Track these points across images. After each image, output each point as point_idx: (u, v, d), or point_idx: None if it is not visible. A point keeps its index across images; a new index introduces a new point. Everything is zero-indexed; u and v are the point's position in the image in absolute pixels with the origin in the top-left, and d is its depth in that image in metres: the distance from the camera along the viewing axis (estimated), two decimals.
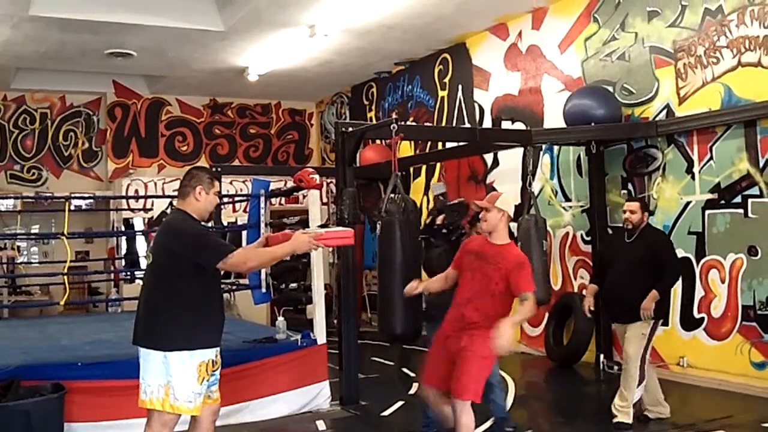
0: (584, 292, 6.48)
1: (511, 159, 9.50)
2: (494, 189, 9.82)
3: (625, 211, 5.97)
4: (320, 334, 6.70)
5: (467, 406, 4.45)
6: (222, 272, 4.43)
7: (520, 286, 4.44)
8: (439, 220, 5.56)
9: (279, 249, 4.12)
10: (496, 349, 4.25)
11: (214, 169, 10.39)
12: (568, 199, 8.88)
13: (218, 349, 4.14)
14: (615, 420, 5.65)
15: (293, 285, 10.46)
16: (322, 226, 4.55)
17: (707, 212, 7.30)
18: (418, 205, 11.01)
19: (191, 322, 3.97)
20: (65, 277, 7.52)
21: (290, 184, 7.49)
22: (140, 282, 4.39)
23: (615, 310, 5.97)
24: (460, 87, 10.69)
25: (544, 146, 9.00)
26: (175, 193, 4.35)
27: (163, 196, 10.74)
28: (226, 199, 10.38)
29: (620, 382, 5.78)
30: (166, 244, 4.08)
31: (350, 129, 7.13)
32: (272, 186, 8.42)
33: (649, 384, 5.82)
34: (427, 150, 10.97)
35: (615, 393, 5.76)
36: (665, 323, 6.22)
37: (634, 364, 5.65)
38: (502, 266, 4.49)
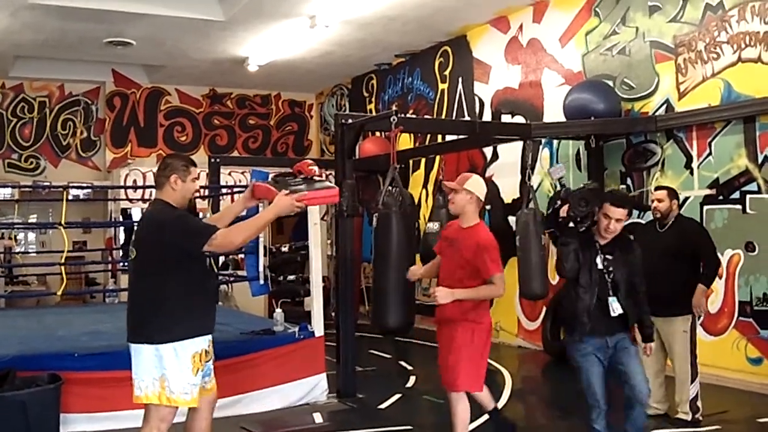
0: None
1: (510, 152, 9.49)
2: (493, 183, 9.81)
3: (653, 201, 5.91)
4: (318, 327, 6.69)
5: (462, 396, 4.57)
6: (209, 263, 4.40)
7: (485, 269, 4.47)
8: (563, 211, 4.66)
9: (262, 217, 4.08)
10: (433, 295, 4.44)
11: (212, 160, 10.48)
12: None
13: (210, 338, 4.11)
14: (675, 416, 5.74)
15: (291, 277, 10.48)
16: (305, 179, 4.19)
17: (705, 208, 7.29)
18: (417, 198, 11.00)
19: (181, 312, 3.93)
20: (62, 267, 7.51)
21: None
22: (128, 274, 4.35)
23: (652, 305, 5.89)
24: (460, 80, 10.66)
25: (543, 140, 8.98)
26: None
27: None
28: (224, 190, 10.37)
29: (675, 381, 5.79)
30: (149, 236, 4.02)
31: (350, 121, 7.11)
32: (271, 177, 8.39)
33: (651, 376, 5.83)
34: (427, 143, 10.97)
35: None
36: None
37: (686, 362, 5.67)
38: (464, 250, 4.54)
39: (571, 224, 4.54)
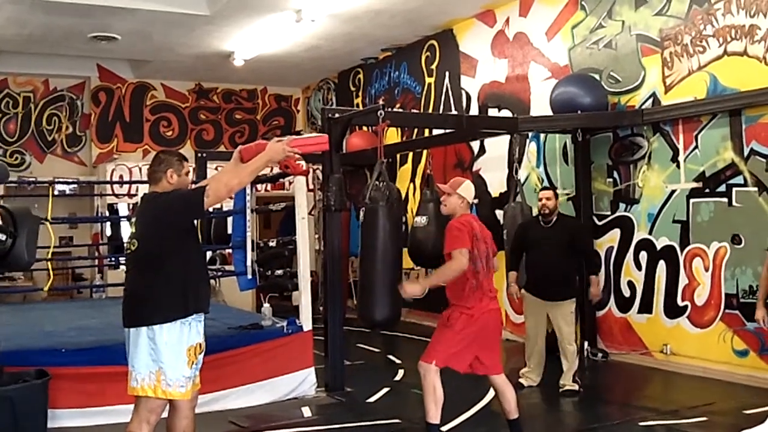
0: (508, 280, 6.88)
1: (497, 146, 9.50)
2: (480, 177, 9.84)
3: (541, 199, 6.63)
4: (306, 321, 6.70)
5: (430, 368, 4.77)
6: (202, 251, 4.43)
7: (444, 247, 4.81)
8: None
9: (255, 162, 4.10)
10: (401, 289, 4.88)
11: (199, 155, 10.42)
12: (554, 187, 8.89)
13: (203, 332, 4.15)
14: (564, 389, 6.52)
15: (279, 271, 10.42)
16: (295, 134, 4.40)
17: (692, 201, 7.33)
18: (404, 192, 11.00)
19: (178, 294, 3.99)
20: (49, 262, 7.46)
21: (276, 170, 7.46)
22: (125, 268, 4.37)
23: (544, 290, 6.54)
24: (447, 74, 10.66)
25: (530, 134, 9.00)
26: None
27: (148, 182, 10.66)
28: None
29: (562, 358, 6.56)
30: (152, 221, 4.07)
31: (337, 115, 7.10)
32: None
33: (535, 353, 6.68)
34: (414, 137, 10.96)
35: (572, 376, 6.54)
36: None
37: (572, 339, 6.53)
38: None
39: None
